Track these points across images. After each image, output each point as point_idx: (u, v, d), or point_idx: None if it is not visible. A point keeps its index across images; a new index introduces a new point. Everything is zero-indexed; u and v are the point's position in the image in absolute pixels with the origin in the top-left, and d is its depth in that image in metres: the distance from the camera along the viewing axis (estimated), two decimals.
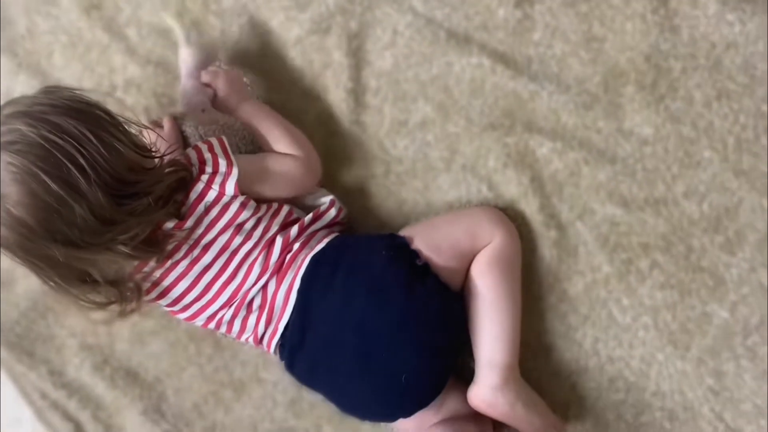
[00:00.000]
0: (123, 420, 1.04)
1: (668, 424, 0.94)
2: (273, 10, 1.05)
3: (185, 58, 0.98)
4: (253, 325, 0.92)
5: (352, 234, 1.01)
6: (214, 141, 0.91)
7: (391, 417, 0.92)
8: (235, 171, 0.89)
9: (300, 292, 0.89)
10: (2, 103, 0.83)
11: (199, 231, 0.88)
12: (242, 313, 0.92)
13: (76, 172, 0.78)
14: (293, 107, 1.05)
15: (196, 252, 0.89)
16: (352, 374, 0.88)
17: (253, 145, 1.02)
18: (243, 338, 0.94)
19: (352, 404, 0.93)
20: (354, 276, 0.89)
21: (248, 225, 0.90)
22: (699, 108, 0.96)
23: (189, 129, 1.04)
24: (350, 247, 0.92)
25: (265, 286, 0.91)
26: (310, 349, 0.90)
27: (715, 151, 0.95)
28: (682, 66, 0.96)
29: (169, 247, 0.87)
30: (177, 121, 1.04)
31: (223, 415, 1.03)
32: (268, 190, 0.93)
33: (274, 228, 0.92)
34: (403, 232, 0.93)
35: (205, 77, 0.96)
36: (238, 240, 0.90)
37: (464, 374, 0.96)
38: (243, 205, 0.89)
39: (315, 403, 1.01)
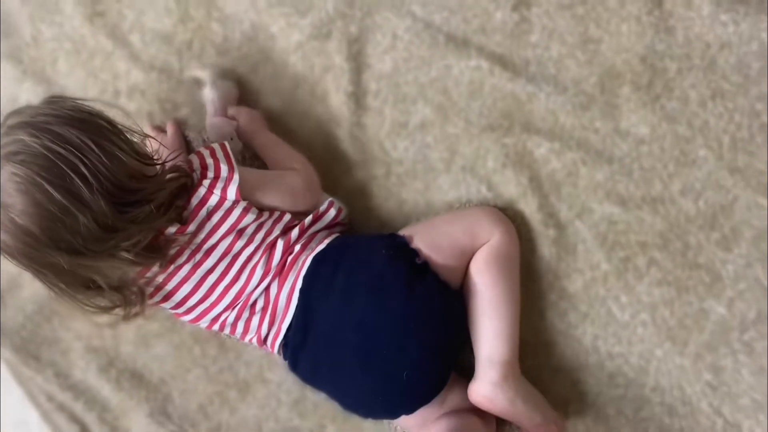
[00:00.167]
0: (129, 422, 1.05)
1: (667, 419, 0.94)
2: (274, 16, 1.06)
3: (213, 98, 1.02)
4: (257, 327, 0.93)
5: (353, 234, 1.01)
6: (216, 146, 0.92)
7: (393, 414, 0.93)
8: (236, 176, 0.89)
9: (302, 291, 0.90)
10: (7, 112, 0.84)
11: (202, 236, 0.89)
12: (245, 314, 0.93)
13: (78, 181, 0.78)
14: (295, 111, 1.05)
15: (198, 256, 0.89)
16: (353, 372, 0.88)
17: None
18: (247, 339, 0.95)
19: (354, 402, 0.93)
20: (354, 275, 0.89)
21: (250, 229, 0.91)
22: (694, 107, 0.96)
23: (192, 134, 1.06)
24: (351, 246, 0.93)
25: (267, 288, 0.92)
26: (312, 349, 0.90)
27: (710, 150, 0.96)
28: (677, 66, 0.97)
29: (172, 252, 0.87)
30: (180, 126, 1.05)
31: (229, 416, 1.03)
32: (268, 200, 0.94)
33: (276, 232, 0.92)
34: (403, 232, 0.94)
35: (232, 112, 1.02)
36: (240, 244, 0.90)
37: (466, 371, 0.96)
38: (245, 210, 0.90)
39: (319, 403, 1.01)
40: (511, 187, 0.99)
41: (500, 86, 1.00)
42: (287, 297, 0.91)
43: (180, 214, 0.87)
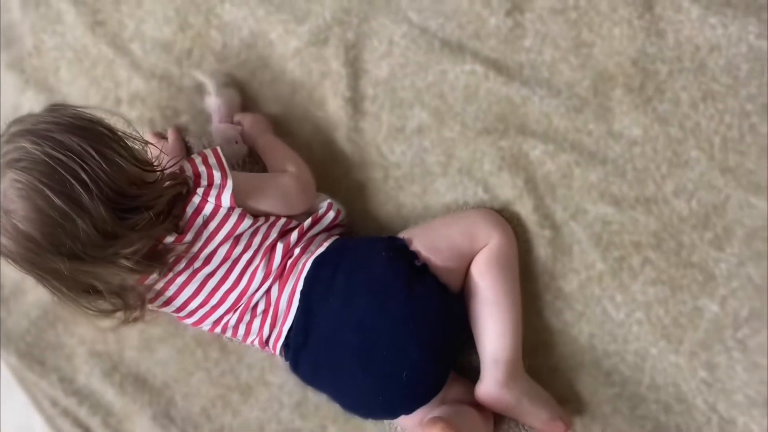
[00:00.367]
0: (133, 426, 1.05)
1: (663, 416, 0.95)
2: (272, 23, 1.07)
3: (219, 106, 1.03)
4: (258, 329, 0.94)
5: (352, 237, 1.02)
6: (209, 152, 0.92)
7: (393, 414, 0.93)
8: (230, 182, 0.89)
9: (302, 294, 0.91)
10: (10, 120, 0.85)
11: (199, 244, 0.89)
12: (247, 317, 0.93)
13: (78, 187, 0.79)
14: (293, 116, 1.06)
15: (197, 264, 0.90)
16: (354, 373, 0.89)
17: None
18: (248, 341, 0.96)
19: (354, 403, 0.94)
20: (354, 277, 0.90)
21: (246, 234, 0.91)
22: (685, 109, 0.97)
23: (193, 140, 1.06)
24: (350, 249, 0.94)
25: (268, 291, 0.93)
26: (313, 350, 0.91)
27: (702, 151, 0.96)
28: (668, 69, 0.98)
29: (170, 260, 0.88)
30: (181, 132, 1.06)
31: (231, 418, 1.04)
32: (262, 205, 0.94)
33: (273, 235, 0.93)
34: (402, 234, 0.95)
35: (238, 117, 1.04)
36: (238, 250, 0.91)
37: (465, 371, 0.97)
38: (242, 216, 0.90)
39: (320, 404, 1.02)
40: (507, 190, 1.00)
41: (495, 90, 1.01)
42: (288, 299, 0.92)
43: (176, 224, 0.88)
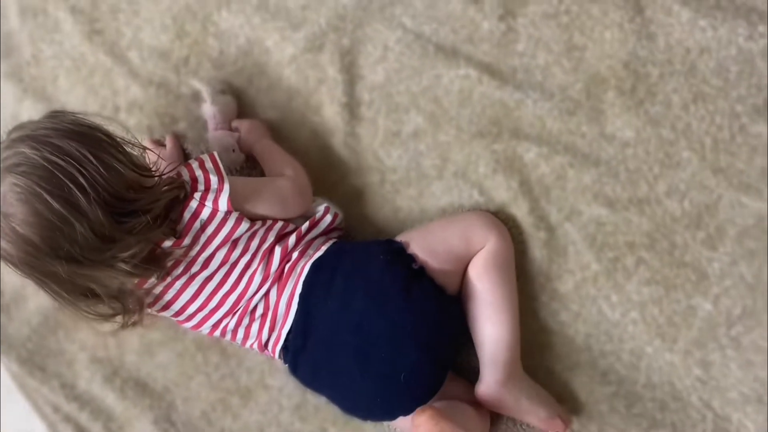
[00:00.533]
0: (133, 430, 1.06)
1: (659, 414, 0.96)
2: (268, 30, 1.07)
3: (214, 113, 1.04)
4: (257, 332, 0.94)
5: (349, 240, 1.03)
6: (206, 157, 0.93)
7: (392, 415, 0.94)
8: (226, 186, 0.90)
9: (301, 297, 0.91)
10: (10, 127, 0.86)
11: (197, 248, 0.90)
12: (245, 321, 0.94)
13: (76, 191, 0.80)
14: (290, 122, 1.07)
15: (195, 268, 0.91)
16: (352, 375, 0.90)
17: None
18: (248, 345, 0.96)
19: (353, 404, 0.95)
20: (353, 280, 0.91)
21: (244, 238, 0.92)
22: (677, 111, 0.98)
23: (191, 146, 1.07)
24: (348, 252, 0.94)
25: (267, 294, 0.93)
26: (312, 352, 0.92)
27: (693, 152, 0.97)
28: (659, 71, 0.99)
29: (168, 264, 0.88)
30: (179, 139, 1.07)
31: (231, 422, 1.04)
32: (259, 208, 0.94)
33: (271, 239, 0.93)
34: (400, 238, 0.96)
35: (235, 123, 1.04)
36: (236, 253, 0.91)
37: (464, 372, 0.98)
38: (239, 220, 0.91)
39: (319, 406, 1.02)
40: (502, 192, 1.01)
41: (489, 94, 1.02)
42: (287, 303, 0.93)
43: (174, 228, 0.88)
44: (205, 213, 0.89)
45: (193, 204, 0.89)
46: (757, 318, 0.94)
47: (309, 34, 1.07)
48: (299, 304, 0.92)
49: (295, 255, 0.94)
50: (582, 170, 0.99)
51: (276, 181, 0.99)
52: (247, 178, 1.03)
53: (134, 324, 0.92)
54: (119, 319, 0.91)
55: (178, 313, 0.94)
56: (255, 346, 0.96)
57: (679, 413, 0.96)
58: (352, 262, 0.93)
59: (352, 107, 1.05)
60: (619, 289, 0.97)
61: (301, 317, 0.92)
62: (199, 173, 0.90)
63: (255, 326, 0.94)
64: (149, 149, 0.95)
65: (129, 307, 0.90)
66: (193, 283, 0.91)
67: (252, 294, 0.93)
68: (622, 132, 0.99)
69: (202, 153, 1.04)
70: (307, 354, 0.92)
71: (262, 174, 1.05)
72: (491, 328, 0.92)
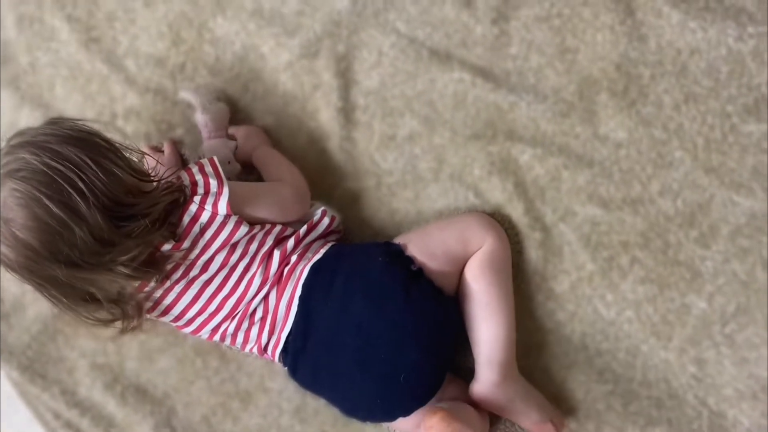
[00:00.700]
0: None
1: (655, 412, 0.96)
2: (263, 37, 1.08)
3: (207, 122, 1.04)
4: (256, 336, 0.95)
5: (348, 243, 1.03)
6: (206, 161, 0.93)
7: (391, 416, 0.94)
8: (225, 190, 0.90)
9: (301, 299, 0.92)
10: (8, 135, 0.86)
11: (196, 251, 0.90)
12: (245, 325, 0.94)
13: (76, 195, 0.81)
14: (287, 128, 1.08)
15: (194, 272, 0.91)
16: (352, 376, 0.90)
17: None
18: (247, 349, 0.97)
19: (353, 405, 0.95)
20: (352, 282, 0.91)
21: (243, 242, 0.92)
22: (668, 111, 0.99)
23: (188, 152, 1.07)
24: (347, 255, 0.95)
25: (266, 298, 0.94)
26: (312, 354, 0.92)
27: (685, 151, 0.98)
28: (650, 73, 1.00)
29: (168, 267, 0.89)
30: (177, 145, 1.07)
31: (232, 426, 1.04)
32: (257, 212, 0.95)
33: (270, 242, 0.94)
34: (398, 240, 0.96)
35: (232, 129, 1.05)
36: (235, 257, 0.92)
37: (462, 373, 0.99)
38: (238, 224, 0.91)
39: (319, 409, 1.03)
40: (498, 194, 1.01)
41: (483, 97, 1.03)
42: (287, 306, 0.93)
43: (173, 232, 0.89)
44: (205, 216, 0.90)
45: (193, 207, 0.90)
46: (751, 315, 0.95)
47: (304, 40, 1.07)
48: (299, 306, 0.92)
49: (293, 258, 0.94)
50: (576, 171, 1.00)
51: (275, 186, 1.00)
52: (246, 182, 1.03)
53: (134, 329, 0.93)
54: (119, 324, 0.92)
55: (177, 318, 0.94)
56: (254, 349, 0.97)
57: (675, 411, 0.96)
58: (351, 264, 0.93)
59: (347, 112, 1.06)
60: (614, 289, 0.98)
61: (301, 320, 0.92)
62: (198, 177, 0.91)
63: (254, 330, 0.95)
64: (148, 154, 0.96)
65: (128, 312, 0.90)
66: (192, 286, 0.92)
67: (251, 297, 0.93)
68: (615, 133, 1.00)
69: (200, 158, 1.05)
70: (307, 356, 0.93)
71: (257, 180, 1.06)
72: (487, 328, 0.93)
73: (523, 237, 1.00)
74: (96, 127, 0.89)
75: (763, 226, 0.96)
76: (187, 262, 0.90)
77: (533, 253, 1.00)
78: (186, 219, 0.90)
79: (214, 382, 1.05)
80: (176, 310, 0.93)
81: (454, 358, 0.99)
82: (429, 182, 1.04)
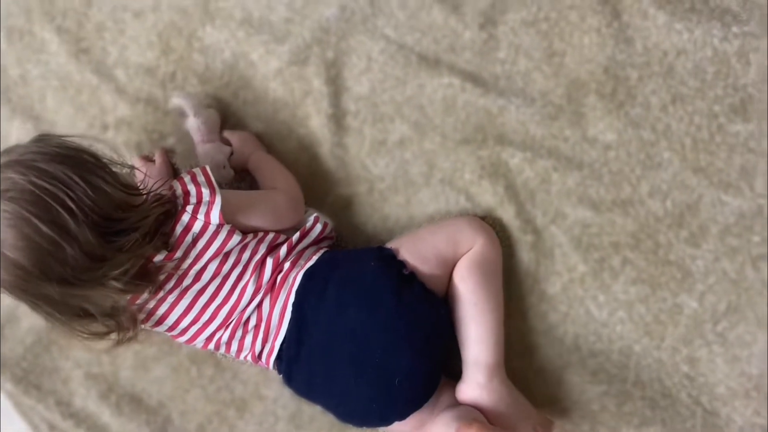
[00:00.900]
0: None
1: (649, 411, 0.97)
2: (253, 44, 1.08)
3: (199, 126, 1.04)
4: (250, 344, 0.95)
5: (340, 249, 1.04)
6: (198, 171, 0.93)
7: (387, 420, 0.94)
8: (218, 199, 0.90)
9: (294, 306, 0.92)
10: (1, 147, 0.87)
11: (189, 261, 0.90)
12: (239, 333, 0.94)
13: (65, 213, 0.80)
14: (277, 135, 1.08)
15: (187, 281, 0.91)
16: (347, 381, 0.90)
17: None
18: (242, 357, 0.97)
19: (348, 411, 0.95)
20: (345, 287, 0.91)
21: (235, 251, 0.92)
22: (656, 112, 0.99)
23: (180, 161, 1.07)
24: (340, 260, 0.95)
25: (259, 306, 0.94)
26: (306, 361, 0.92)
27: (674, 152, 0.99)
28: (638, 74, 1.00)
29: (160, 278, 0.89)
30: (168, 154, 1.07)
31: None
32: (252, 220, 0.95)
33: (262, 250, 0.94)
34: (390, 245, 0.97)
35: (227, 134, 1.05)
36: (227, 266, 0.92)
37: (457, 376, 0.97)
38: (230, 233, 0.91)
39: (315, 416, 1.03)
40: (489, 197, 1.02)
41: (472, 101, 1.03)
42: (280, 313, 0.93)
43: (166, 242, 0.89)
44: (197, 226, 0.90)
45: (185, 217, 0.90)
46: (742, 313, 0.96)
47: (293, 47, 1.08)
48: (292, 313, 0.92)
49: (286, 265, 0.94)
50: (566, 173, 1.00)
51: (269, 193, 1.00)
52: (239, 191, 1.04)
53: (129, 340, 0.92)
54: (113, 336, 0.91)
55: (171, 328, 0.94)
56: (249, 357, 0.97)
57: (668, 410, 0.97)
58: (344, 269, 0.94)
59: (338, 118, 1.06)
60: (606, 289, 0.99)
61: (295, 327, 0.92)
62: (191, 187, 0.91)
63: (248, 338, 0.95)
64: (136, 168, 0.96)
65: (123, 323, 0.90)
66: (186, 296, 0.92)
67: (244, 306, 0.93)
68: (604, 135, 1.00)
69: (193, 167, 1.04)
70: (302, 363, 0.93)
71: (249, 188, 1.06)
72: (474, 327, 0.93)
73: (514, 240, 1.01)
74: (84, 141, 0.89)
75: (751, 225, 0.97)
76: (180, 272, 0.90)
77: (525, 255, 1.00)
78: (178, 229, 0.90)
79: (210, 390, 1.05)
80: (170, 320, 0.93)
81: (448, 360, 0.99)
82: (420, 187, 1.04)
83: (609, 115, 1.00)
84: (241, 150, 1.05)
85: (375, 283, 0.91)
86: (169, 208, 0.90)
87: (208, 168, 0.94)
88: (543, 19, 1.03)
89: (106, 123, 1.11)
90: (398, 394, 0.90)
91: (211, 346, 0.97)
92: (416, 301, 0.91)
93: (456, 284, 0.95)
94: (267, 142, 1.08)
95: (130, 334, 0.92)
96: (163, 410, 1.06)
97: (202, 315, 0.93)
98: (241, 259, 0.93)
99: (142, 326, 0.94)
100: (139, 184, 0.92)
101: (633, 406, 0.98)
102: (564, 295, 1.00)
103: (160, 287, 0.90)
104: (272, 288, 0.94)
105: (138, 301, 0.90)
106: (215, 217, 0.90)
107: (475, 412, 0.92)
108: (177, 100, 1.06)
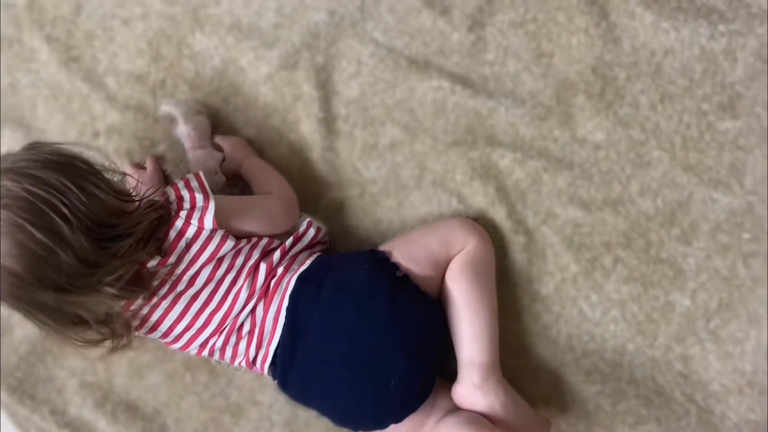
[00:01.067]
0: None
1: (644, 410, 0.97)
2: (242, 50, 1.08)
3: (189, 132, 1.04)
4: (244, 351, 0.95)
5: (333, 253, 1.04)
6: (191, 176, 0.94)
7: (383, 423, 0.94)
8: (212, 204, 0.91)
9: (288, 310, 0.92)
10: None
11: (182, 266, 0.90)
12: (233, 339, 0.94)
13: (59, 220, 0.80)
14: (268, 140, 1.08)
15: (180, 287, 0.91)
16: (342, 384, 0.90)
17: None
18: (236, 363, 0.97)
19: (344, 414, 0.95)
20: (339, 290, 0.91)
21: (229, 256, 0.92)
22: (645, 111, 1.00)
23: (171, 167, 1.07)
24: (333, 264, 0.95)
25: (253, 311, 0.94)
26: (301, 365, 0.92)
27: (663, 151, 0.99)
28: (626, 74, 1.01)
29: (154, 284, 0.89)
30: (159, 161, 1.07)
31: None
32: (245, 225, 0.95)
33: (256, 255, 0.94)
34: (383, 247, 0.97)
35: (218, 139, 1.06)
36: (221, 272, 0.92)
37: (452, 378, 0.97)
38: (224, 238, 0.91)
39: (310, 420, 1.03)
40: (480, 198, 1.02)
41: (462, 103, 1.03)
42: (274, 318, 0.93)
43: (159, 248, 0.89)
44: (191, 231, 0.90)
45: (179, 222, 0.90)
46: (734, 310, 0.96)
47: (283, 53, 1.08)
48: (286, 318, 0.92)
49: (280, 270, 0.94)
50: (556, 174, 1.01)
51: (263, 199, 1.00)
52: (232, 196, 1.04)
53: (123, 347, 0.92)
54: (108, 343, 0.91)
55: (165, 334, 0.94)
56: (243, 363, 0.97)
57: (663, 408, 0.97)
58: (338, 273, 0.94)
59: (328, 122, 1.06)
60: (599, 289, 0.99)
61: (289, 331, 0.92)
62: (184, 192, 0.91)
63: (242, 344, 0.95)
64: (128, 174, 0.96)
65: (117, 330, 0.90)
66: (179, 302, 0.92)
67: (238, 311, 0.93)
68: (593, 135, 1.01)
69: (184, 173, 1.04)
70: (296, 368, 0.93)
71: (242, 193, 1.06)
72: (467, 327, 0.93)
73: (506, 241, 1.01)
74: (76, 149, 0.89)
75: (742, 222, 0.97)
76: (173, 278, 0.90)
77: (517, 256, 1.01)
78: (172, 234, 0.90)
79: (205, 396, 1.05)
80: (164, 326, 0.93)
81: (443, 362, 0.99)
82: (412, 189, 1.04)
83: (598, 115, 1.01)
84: (233, 155, 1.05)
85: (368, 285, 0.92)
86: (162, 214, 0.90)
87: (201, 174, 0.94)
88: (531, 21, 1.03)
89: (96, 131, 1.11)
90: (394, 397, 0.90)
91: (205, 352, 0.96)
92: (410, 303, 0.91)
93: (448, 284, 0.95)
94: (258, 148, 1.08)
95: (125, 341, 0.92)
96: (158, 417, 1.06)
97: (195, 321, 0.93)
98: (234, 264, 0.93)
99: (136, 333, 0.94)
100: (131, 191, 0.92)
101: (628, 404, 0.98)
102: (557, 295, 1.00)
103: (154, 293, 0.90)
104: (266, 293, 0.94)
105: (132, 308, 0.90)
106: (209, 222, 0.90)
107: (482, 418, 0.91)
108: (167, 107, 1.06)
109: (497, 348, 0.94)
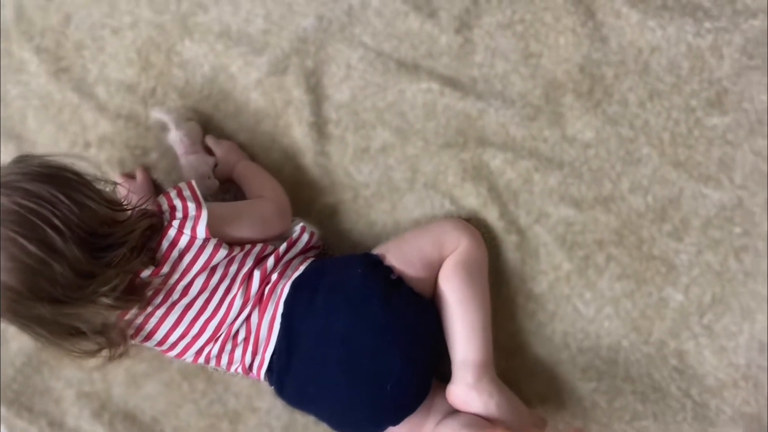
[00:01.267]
0: None
1: (640, 406, 0.97)
2: (232, 57, 1.08)
3: (181, 138, 1.04)
4: (240, 358, 0.95)
5: (327, 257, 1.04)
6: (183, 185, 0.94)
7: (380, 426, 0.94)
8: (204, 213, 0.91)
9: (283, 316, 0.92)
10: None
11: (176, 276, 0.90)
12: (228, 346, 0.94)
13: (51, 231, 0.80)
14: (260, 145, 1.08)
15: (174, 296, 0.91)
16: (339, 389, 0.90)
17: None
18: (232, 370, 0.97)
19: (341, 418, 0.95)
20: (334, 294, 0.92)
21: (222, 264, 0.92)
22: (634, 109, 1.00)
23: (162, 176, 1.07)
24: (327, 269, 0.95)
25: (248, 318, 0.94)
26: (297, 371, 0.92)
27: (653, 147, 1.00)
28: (614, 72, 1.01)
29: (149, 293, 0.89)
30: (149, 170, 1.07)
31: None
32: (239, 231, 0.95)
33: (249, 263, 0.94)
34: (376, 251, 0.97)
35: (211, 143, 1.06)
36: (215, 280, 0.92)
37: (447, 380, 0.97)
38: (217, 247, 0.91)
39: (308, 426, 1.03)
40: (472, 199, 1.02)
41: (452, 105, 1.04)
42: (269, 325, 0.93)
43: (153, 257, 0.89)
44: (183, 241, 0.90)
45: (171, 232, 0.90)
46: (727, 304, 0.97)
47: (272, 58, 1.08)
48: (281, 324, 0.92)
49: (274, 277, 0.94)
50: (547, 173, 1.01)
51: (255, 203, 1.00)
52: (225, 203, 1.04)
53: (120, 356, 0.92)
54: (104, 353, 0.91)
55: (160, 343, 0.94)
56: (239, 370, 0.97)
57: (659, 404, 0.97)
58: (332, 278, 0.94)
59: (320, 126, 1.07)
60: (592, 286, 0.99)
61: (284, 337, 0.92)
62: (177, 202, 0.91)
63: (238, 351, 0.95)
64: (119, 183, 0.96)
65: (113, 340, 0.90)
66: (174, 311, 0.92)
67: (233, 319, 0.93)
68: (583, 133, 1.01)
69: (175, 182, 1.04)
70: (293, 373, 0.93)
71: (235, 198, 1.06)
72: (460, 326, 0.93)
73: (499, 241, 1.01)
74: (66, 160, 0.89)
75: (732, 217, 0.98)
76: (167, 287, 0.90)
77: (510, 255, 1.01)
78: (165, 244, 0.90)
79: (202, 404, 1.05)
80: (159, 335, 0.93)
81: (441, 364, 0.98)
82: (405, 192, 1.05)
83: (587, 114, 1.01)
84: (226, 160, 1.05)
85: (363, 289, 0.92)
86: (155, 222, 0.90)
87: (193, 182, 0.94)
88: (518, 21, 1.04)
89: (88, 141, 1.11)
90: (390, 399, 0.90)
91: (201, 360, 0.96)
92: (404, 305, 0.92)
93: (441, 285, 0.95)
94: (250, 154, 1.08)
95: (121, 350, 0.92)
96: (156, 426, 1.06)
97: (190, 329, 0.93)
98: (228, 272, 0.93)
99: (132, 342, 0.94)
100: (123, 200, 0.92)
101: (624, 401, 0.98)
102: (551, 293, 1.00)
103: (149, 302, 0.90)
104: (260, 300, 0.94)
105: (127, 317, 0.90)
106: (201, 231, 0.90)
107: (481, 420, 0.91)
108: (158, 115, 1.06)
109: (491, 347, 0.94)
